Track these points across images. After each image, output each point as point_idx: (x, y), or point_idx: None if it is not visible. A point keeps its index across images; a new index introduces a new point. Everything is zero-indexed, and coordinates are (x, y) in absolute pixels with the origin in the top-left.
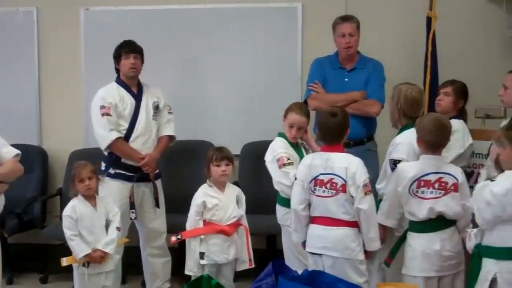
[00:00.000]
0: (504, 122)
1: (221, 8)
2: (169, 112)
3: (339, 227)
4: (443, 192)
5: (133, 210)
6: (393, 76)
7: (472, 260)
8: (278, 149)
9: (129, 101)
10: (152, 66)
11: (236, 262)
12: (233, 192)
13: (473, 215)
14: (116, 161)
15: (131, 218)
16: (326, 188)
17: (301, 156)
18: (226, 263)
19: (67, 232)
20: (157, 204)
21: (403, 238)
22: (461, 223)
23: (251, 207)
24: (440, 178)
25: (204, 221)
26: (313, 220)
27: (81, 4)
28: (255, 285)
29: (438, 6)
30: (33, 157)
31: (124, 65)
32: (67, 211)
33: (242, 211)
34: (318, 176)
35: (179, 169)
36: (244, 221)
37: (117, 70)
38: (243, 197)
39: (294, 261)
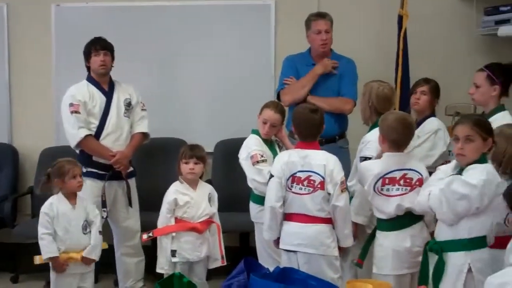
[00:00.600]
0: None
1: (194, 5)
2: (142, 109)
3: (315, 224)
4: (409, 188)
5: (105, 209)
6: (365, 73)
7: (430, 257)
8: (252, 146)
9: (99, 98)
10: (125, 63)
11: (209, 260)
12: (205, 190)
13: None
14: (87, 159)
15: (102, 217)
16: (303, 185)
17: (274, 154)
18: (198, 261)
19: (40, 230)
20: (130, 203)
21: (372, 237)
22: (428, 217)
23: (224, 204)
24: (405, 174)
25: (176, 218)
26: (287, 217)
27: (52, 0)
28: (227, 283)
29: (409, 4)
30: (3, 155)
31: (94, 62)
32: (45, 208)
33: (214, 208)
34: (296, 173)
35: (152, 167)
36: (217, 219)
37: (88, 68)
38: (215, 195)
39: (267, 259)
